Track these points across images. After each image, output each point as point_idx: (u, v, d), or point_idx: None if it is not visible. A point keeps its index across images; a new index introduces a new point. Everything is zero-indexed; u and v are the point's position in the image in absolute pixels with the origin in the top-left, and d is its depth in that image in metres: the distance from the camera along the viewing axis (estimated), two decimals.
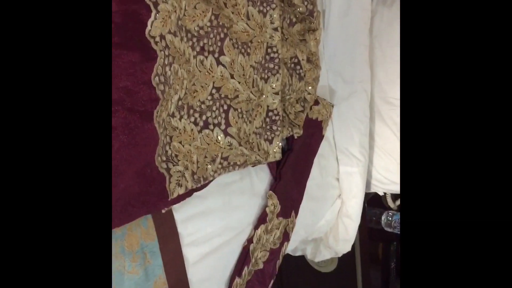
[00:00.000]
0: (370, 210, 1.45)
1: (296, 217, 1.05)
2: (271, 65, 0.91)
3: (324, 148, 1.12)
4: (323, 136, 1.10)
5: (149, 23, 0.70)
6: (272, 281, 0.99)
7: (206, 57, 0.81)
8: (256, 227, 0.95)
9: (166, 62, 0.73)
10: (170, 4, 0.72)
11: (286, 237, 1.03)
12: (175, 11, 0.73)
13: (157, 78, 0.72)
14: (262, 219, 0.96)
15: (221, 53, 0.83)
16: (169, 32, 0.72)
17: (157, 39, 0.71)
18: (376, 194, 1.34)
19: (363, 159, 1.17)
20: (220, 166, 0.85)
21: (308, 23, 1.00)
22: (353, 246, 1.28)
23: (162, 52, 0.72)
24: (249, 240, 0.94)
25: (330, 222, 1.21)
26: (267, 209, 0.96)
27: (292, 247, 1.16)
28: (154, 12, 0.70)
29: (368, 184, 1.25)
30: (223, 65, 0.83)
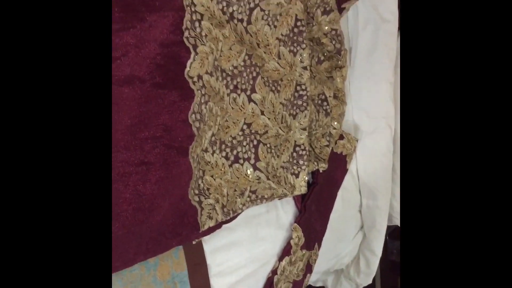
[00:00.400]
0: (391, 242, 1.46)
1: (319, 249, 1.07)
2: (300, 102, 0.94)
3: (347, 181, 1.15)
4: (347, 169, 1.12)
5: (188, 64, 0.74)
6: None
7: (239, 95, 0.84)
8: (280, 259, 0.97)
9: (202, 101, 0.77)
10: (208, 46, 0.76)
11: (309, 269, 1.04)
12: (212, 53, 0.77)
13: (193, 115, 0.75)
14: (286, 251, 0.98)
15: (253, 90, 0.86)
16: (206, 73, 0.76)
17: (195, 79, 0.75)
18: (397, 226, 1.35)
19: (385, 192, 1.19)
20: (248, 199, 0.88)
21: (336, 60, 1.04)
22: (374, 278, 1.29)
23: (199, 91, 0.76)
24: (274, 272, 0.97)
25: (351, 254, 1.23)
26: (292, 242, 0.98)
27: (314, 279, 1.18)
28: (193, 54, 0.74)
29: (389, 217, 1.27)
30: (255, 102, 0.87)
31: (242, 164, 0.86)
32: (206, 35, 0.76)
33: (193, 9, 0.74)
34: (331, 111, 1.03)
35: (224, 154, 0.84)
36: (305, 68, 0.93)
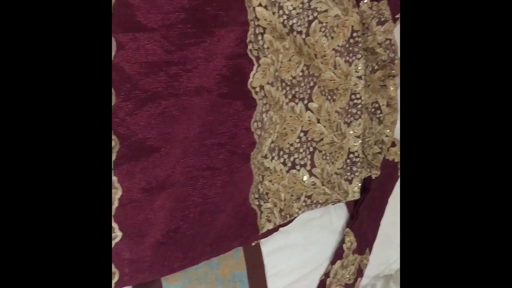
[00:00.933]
0: None
1: (370, 254, 1.09)
2: (354, 111, 0.97)
3: (398, 188, 1.16)
4: (399, 176, 1.13)
5: (251, 75, 0.78)
6: None
7: (297, 104, 0.88)
8: (333, 262, 1.00)
9: (263, 110, 0.81)
10: (269, 57, 0.80)
11: (360, 273, 1.07)
12: (273, 64, 0.81)
13: (255, 124, 0.80)
14: (339, 254, 1.01)
15: (310, 100, 0.90)
16: (268, 83, 0.81)
17: (257, 89, 0.79)
18: None
19: None
20: (304, 204, 0.91)
21: (389, 69, 1.05)
22: None
23: (261, 101, 0.80)
24: (326, 274, 0.99)
25: None
26: (344, 246, 1.01)
27: (363, 283, 1.20)
28: (256, 65, 0.79)
29: None
30: (311, 111, 0.90)
31: (298, 170, 0.90)
32: (268, 48, 0.80)
33: (256, 23, 0.78)
34: (384, 119, 1.05)
35: (282, 160, 0.87)
36: (360, 77, 0.96)
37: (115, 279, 0.68)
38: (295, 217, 0.91)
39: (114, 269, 0.68)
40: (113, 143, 0.66)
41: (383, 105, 1.04)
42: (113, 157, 0.66)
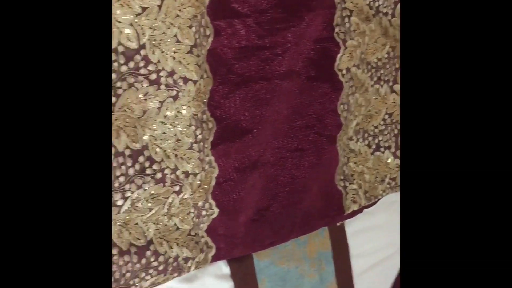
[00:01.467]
0: None
1: None
2: None
3: None
4: None
5: (337, 58, 0.79)
6: None
7: (382, 86, 0.88)
8: None
9: (349, 92, 0.82)
10: (356, 40, 0.81)
11: None
12: (359, 46, 0.82)
13: (341, 106, 0.81)
14: None
15: (395, 82, 0.89)
16: (354, 65, 0.81)
17: (344, 72, 0.80)
18: None
19: None
20: (388, 186, 0.91)
21: None
22: None
23: (347, 83, 0.81)
24: None
25: None
26: None
27: None
28: (342, 48, 0.80)
29: None
30: (396, 93, 0.90)
31: (383, 152, 0.90)
32: (354, 30, 0.81)
33: (343, 6, 0.79)
34: None
35: (366, 142, 0.88)
36: None
37: (212, 252, 0.73)
38: (379, 199, 0.91)
39: (210, 243, 0.73)
40: (210, 125, 0.70)
41: None
42: (210, 138, 0.70)
